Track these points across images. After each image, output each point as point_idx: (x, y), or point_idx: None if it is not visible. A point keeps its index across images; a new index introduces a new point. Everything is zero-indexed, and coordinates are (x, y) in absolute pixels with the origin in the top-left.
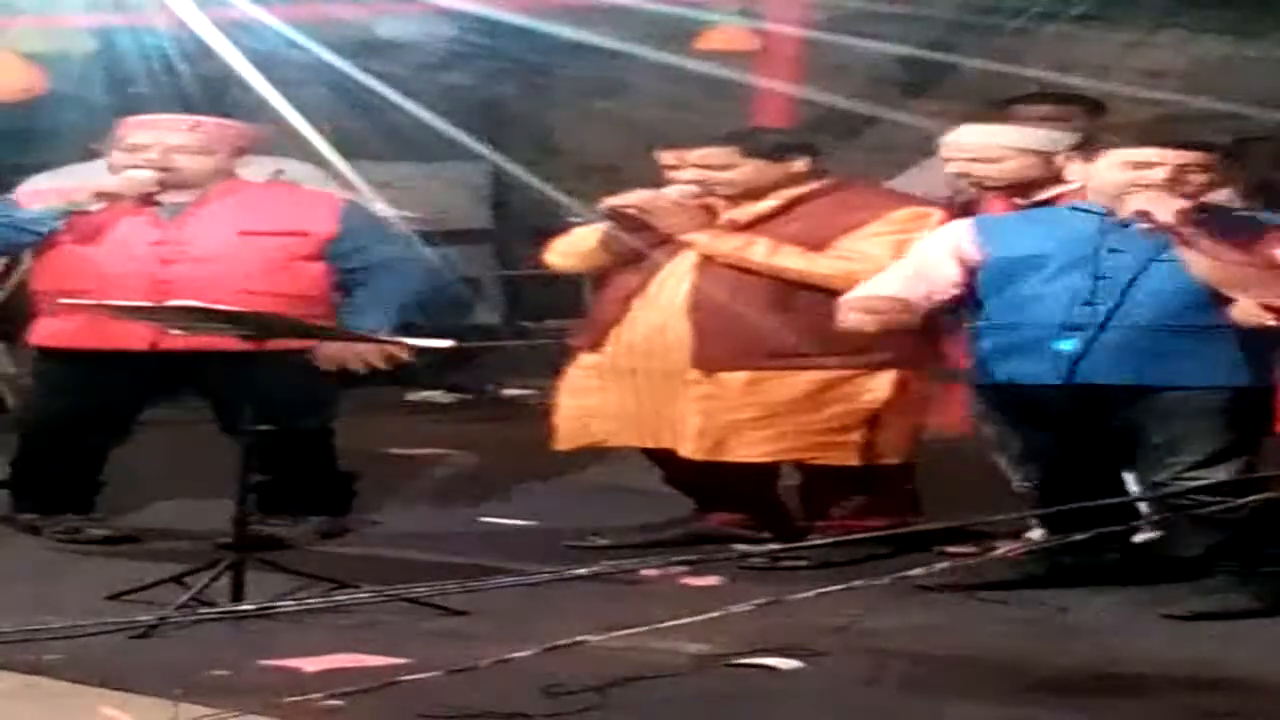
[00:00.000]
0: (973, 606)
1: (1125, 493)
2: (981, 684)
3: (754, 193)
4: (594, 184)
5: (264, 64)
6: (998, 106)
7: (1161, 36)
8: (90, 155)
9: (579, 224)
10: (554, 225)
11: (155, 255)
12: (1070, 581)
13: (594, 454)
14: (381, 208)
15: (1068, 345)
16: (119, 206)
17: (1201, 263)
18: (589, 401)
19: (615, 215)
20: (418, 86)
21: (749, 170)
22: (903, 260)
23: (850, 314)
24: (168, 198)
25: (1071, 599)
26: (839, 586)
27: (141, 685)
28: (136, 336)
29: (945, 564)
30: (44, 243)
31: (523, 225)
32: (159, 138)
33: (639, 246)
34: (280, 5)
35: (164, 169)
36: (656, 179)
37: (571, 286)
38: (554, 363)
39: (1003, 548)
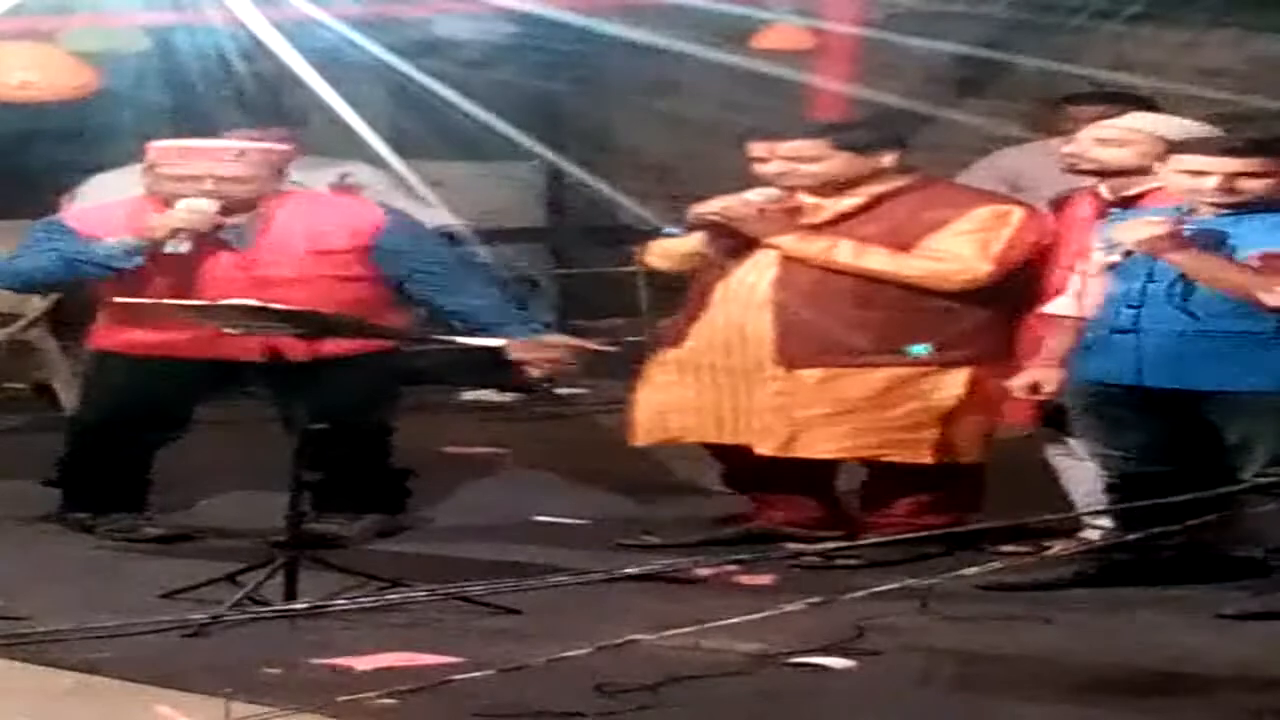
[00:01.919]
0: (1027, 605)
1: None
2: (1035, 684)
3: (840, 186)
4: (649, 183)
5: (321, 63)
6: (1051, 106)
7: (1216, 35)
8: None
9: (670, 234)
10: (609, 224)
11: (246, 282)
12: (1123, 581)
13: (649, 451)
14: (438, 206)
15: (1124, 347)
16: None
17: (1202, 276)
18: (668, 397)
19: (702, 222)
20: (474, 85)
21: (838, 163)
22: None
23: None
24: (230, 223)
25: (1124, 599)
26: (892, 585)
27: (194, 684)
28: (209, 346)
29: (999, 563)
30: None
31: (578, 224)
32: (210, 169)
33: (728, 250)
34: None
35: (220, 198)
36: (712, 177)
37: (627, 286)
38: (609, 361)
39: (1057, 547)
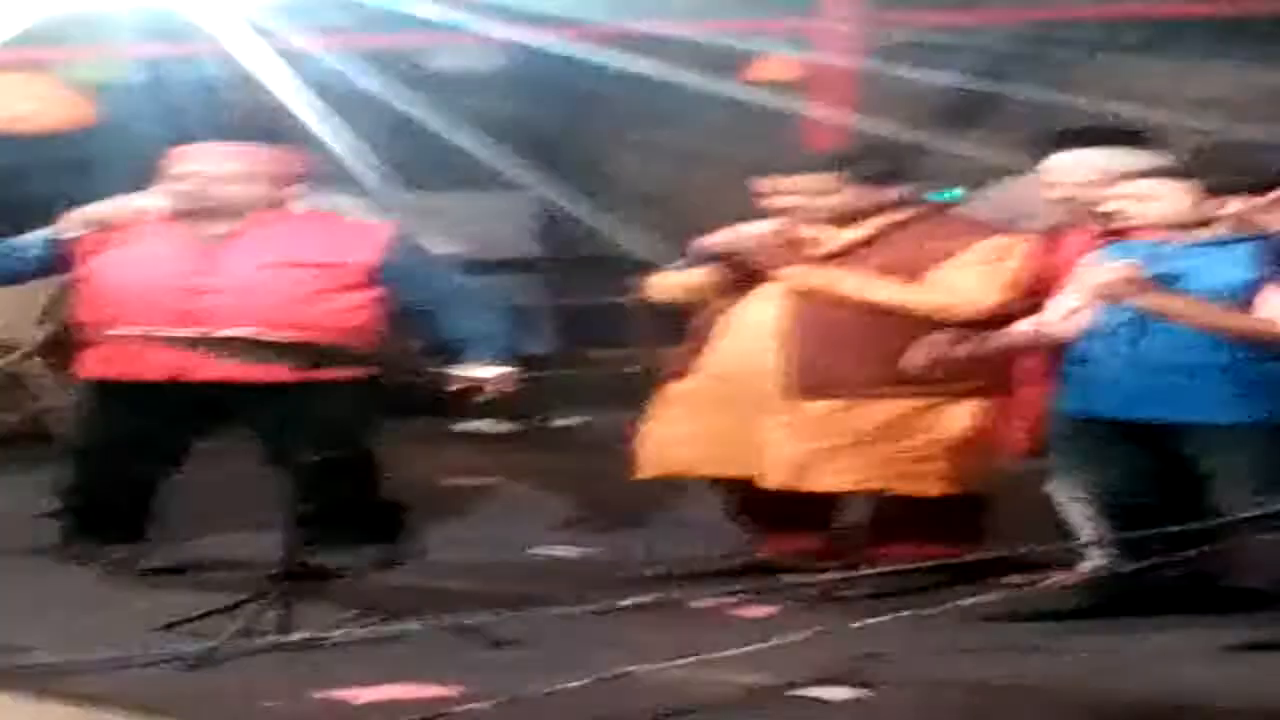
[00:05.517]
0: (1027, 636)
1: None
2: (1036, 715)
3: (849, 218)
4: (645, 213)
5: (316, 95)
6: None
7: (1209, 66)
8: (140, 186)
9: (676, 267)
10: (605, 255)
11: (187, 284)
12: (1126, 611)
13: (647, 484)
14: (433, 237)
15: (1101, 379)
16: (140, 234)
17: (1166, 314)
18: (673, 430)
19: (709, 254)
20: (468, 116)
21: (847, 196)
22: None
23: None
24: (208, 228)
25: (1127, 629)
26: (891, 616)
27: (193, 716)
28: (161, 366)
29: (999, 594)
30: (49, 269)
31: (572, 254)
32: (198, 166)
33: (734, 282)
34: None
35: (201, 197)
36: (706, 207)
37: (622, 316)
38: (605, 392)
39: (1057, 577)
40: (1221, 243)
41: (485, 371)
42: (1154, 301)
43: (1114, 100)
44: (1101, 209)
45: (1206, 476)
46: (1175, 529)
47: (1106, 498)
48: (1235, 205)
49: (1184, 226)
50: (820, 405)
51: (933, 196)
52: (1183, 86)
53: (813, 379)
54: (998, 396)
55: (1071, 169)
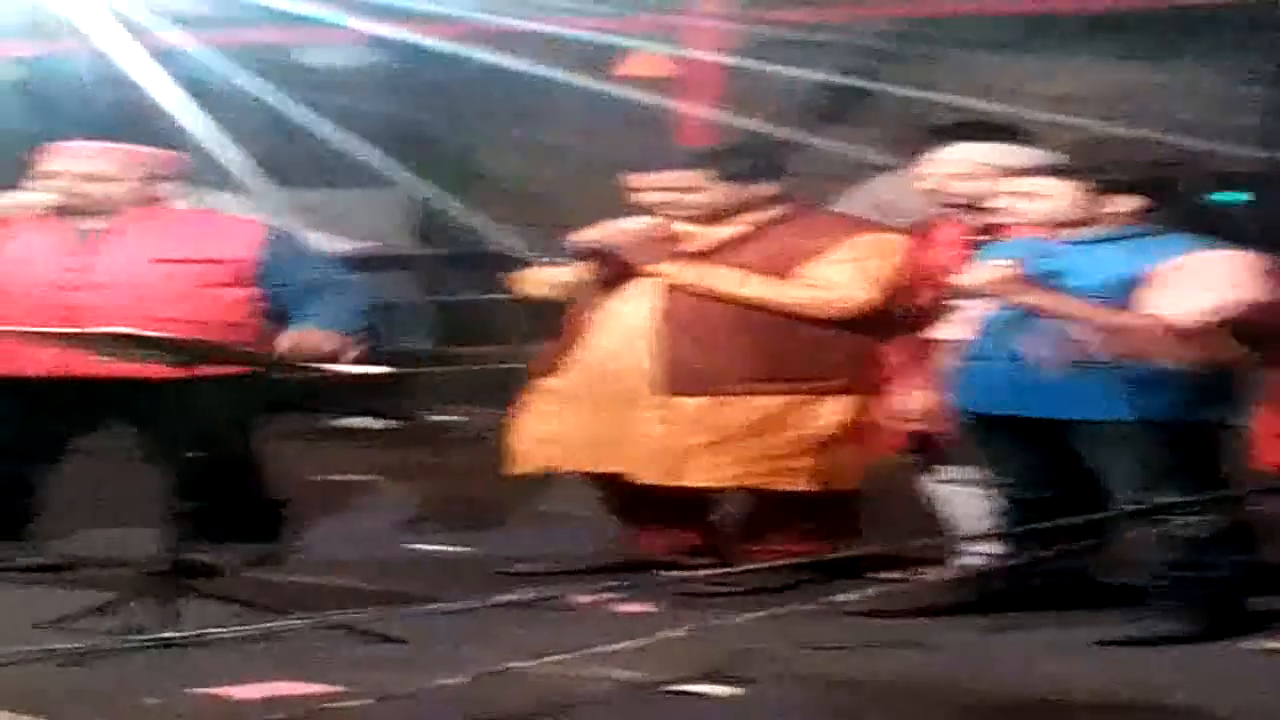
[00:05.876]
0: (903, 633)
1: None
2: (912, 711)
3: (719, 215)
4: (518, 209)
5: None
6: (923, 135)
7: (1074, 62)
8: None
9: (546, 263)
10: (478, 251)
11: (62, 280)
12: (1001, 607)
13: (524, 480)
14: (307, 234)
15: (989, 375)
16: (18, 229)
17: (1046, 311)
18: (545, 426)
19: (582, 250)
20: (339, 113)
21: (718, 193)
22: None
23: None
24: (82, 224)
25: (1002, 624)
26: (768, 612)
27: (71, 715)
28: (41, 362)
29: (875, 590)
30: None
31: (446, 251)
32: (67, 165)
33: (604, 278)
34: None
35: (71, 195)
36: (580, 205)
37: (499, 312)
38: (481, 388)
39: (932, 573)
40: (1103, 240)
41: (354, 366)
42: (1033, 299)
43: (980, 97)
44: (988, 204)
45: (1097, 472)
46: (1046, 525)
47: (1004, 492)
48: (1119, 202)
49: (1069, 224)
50: (691, 401)
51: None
52: (1048, 83)
53: (684, 375)
54: (867, 392)
55: (948, 163)
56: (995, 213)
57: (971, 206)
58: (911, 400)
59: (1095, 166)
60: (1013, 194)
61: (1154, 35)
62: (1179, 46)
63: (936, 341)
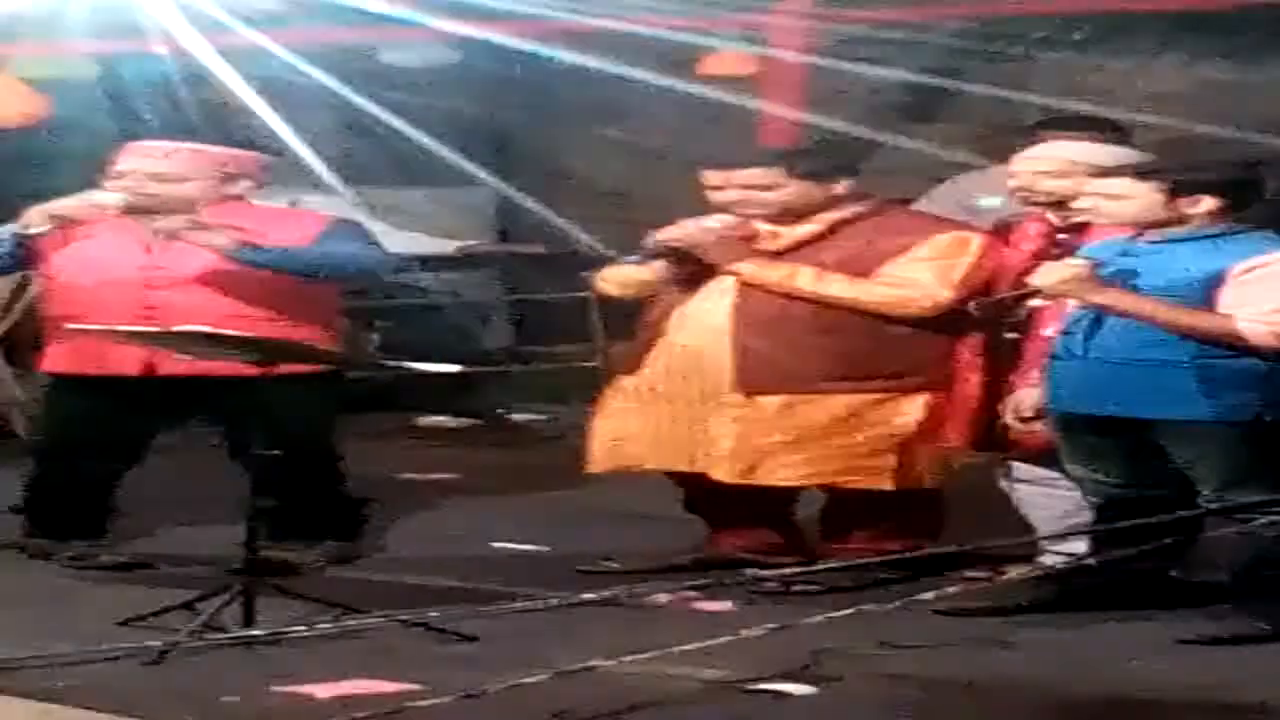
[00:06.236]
0: (985, 631)
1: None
2: (994, 710)
3: (796, 213)
4: (598, 209)
5: (269, 90)
6: (1022, 132)
7: (1163, 61)
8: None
9: (626, 262)
10: (560, 251)
11: (142, 279)
12: (1083, 606)
13: (605, 479)
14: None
15: (1076, 374)
16: (97, 229)
17: (1120, 312)
18: (624, 424)
19: (663, 249)
20: (422, 112)
21: (794, 191)
22: None
23: None
24: (158, 223)
25: (1084, 623)
26: (849, 610)
27: (154, 712)
28: (132, 361)
29: (957, 588)
30: (16, 264)
31: (527, 250)
32: (137, 164)
33: (685, 277)
34: (286, 30)
35: (139, 194)
36: (661, 203)
37: (579, 311)
38: (562, 387)
39: (1014, 572)
40: (1184, 239)
41: (435, 365)
42: (1104, 298)
43: (1066, 96)
44: (1074, 205)
45: (1181, 471)
46: (1128, 524)
47: (1099, 490)
48: (1203, 202)
49: (1154, 225)
50: (771, 400)
51: None
52: (1135, 82)
53: (763, 374)
54: (952, 390)
55: (1039, 160)
56: (1080, 212)
57: (1058, 205)
58: (1027, 398)
59: (1180, 166)
60: (1098, 194)
61: (1241, 35)
62: (1266, 45)
63: (1047, 339)
